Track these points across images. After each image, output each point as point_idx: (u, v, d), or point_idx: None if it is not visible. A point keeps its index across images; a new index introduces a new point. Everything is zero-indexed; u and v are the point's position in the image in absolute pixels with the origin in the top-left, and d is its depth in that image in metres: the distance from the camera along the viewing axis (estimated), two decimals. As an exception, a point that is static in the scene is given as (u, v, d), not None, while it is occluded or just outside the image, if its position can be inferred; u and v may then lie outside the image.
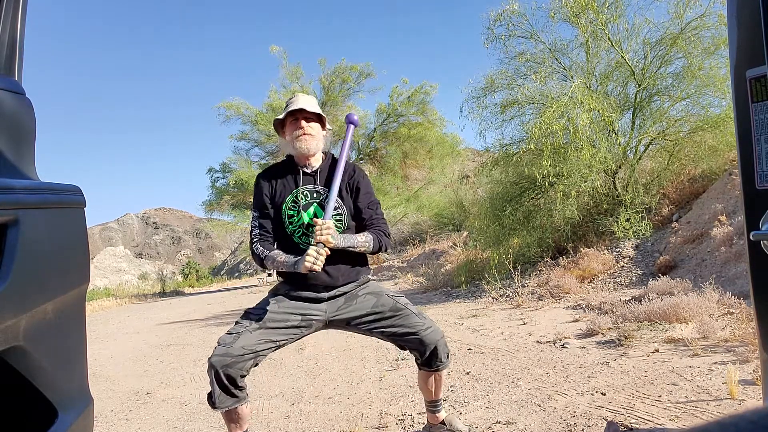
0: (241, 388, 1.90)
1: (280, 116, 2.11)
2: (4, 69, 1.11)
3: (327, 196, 2.05)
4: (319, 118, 2.12)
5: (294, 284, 2.05)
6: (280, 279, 2.13)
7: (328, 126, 2.19)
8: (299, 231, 2.04)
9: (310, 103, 2.09)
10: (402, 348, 2.13)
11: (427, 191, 18.14)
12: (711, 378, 2.65)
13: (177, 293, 19.24)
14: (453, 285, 8.60)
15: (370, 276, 2.20)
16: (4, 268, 0.88)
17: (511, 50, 7.98)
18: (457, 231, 14.70)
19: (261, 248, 2.05)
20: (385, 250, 2.12)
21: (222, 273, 51.17)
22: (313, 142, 2.07)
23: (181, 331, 7.11)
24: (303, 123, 2.06)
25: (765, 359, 1.08)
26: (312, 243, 1.95)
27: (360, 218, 2.12)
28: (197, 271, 38.80)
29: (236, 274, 43.94)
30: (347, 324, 2.08)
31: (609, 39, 7.37)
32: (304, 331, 2.03)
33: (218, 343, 1.91)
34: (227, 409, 1.90)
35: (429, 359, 2.07)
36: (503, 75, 8.01)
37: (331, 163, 2.16)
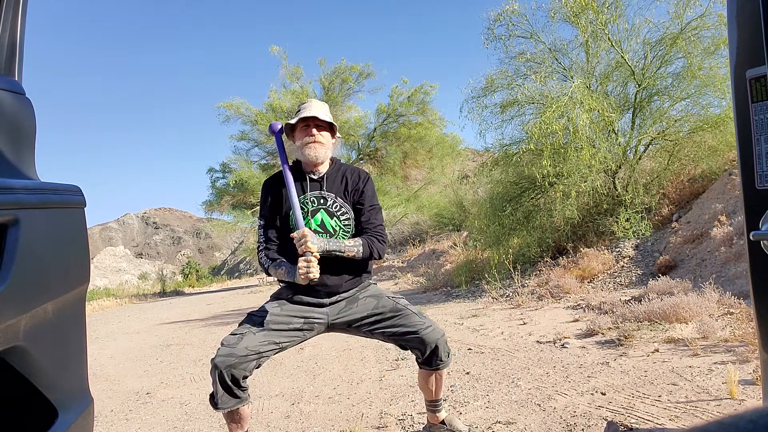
0: (243, 389, 1.91)
1: (292, 121, 2.09)
2: (4, 69, 1.11)
3: (334, 203, 2.07)
4: (330, 127, 2.12)
5: (296, 289, 2.06)
6: (282, 284, 2.14)
7: (337, 135, 2.18)
8: None
9: (323, 111, 2.09)
10: (403, 348, 2.14)
11: (427, 191, 18.14)
12: (711, 378, 2.65)
13: (177, 293, 19.24)
14: (453, 285, 8.60)
15: (371, 280, 2.21)
16: (4, 268, 0.88)
17: (511, 50, 8.00)
18: (457, 231, 14.70)
19: (266, 259, 2.06)
20: (378, 257, 2.08)
21: (222, 273, 51.14)
22: (323, 150, 2.07)
23: (181, 331, 7.11)
24: (314, 131, 2.05)
25: (765, 359, 1.08)
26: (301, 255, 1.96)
27: (359, 221, 2.12)
28: (197, 271, 38.80)
29: (236, 274, 43.93)
30: (348, 326, 2.10)
31: (609, 39, 7.37)
32: (307, 334, 2.05)
33: (222, 343, 1.91)
34: (229, 409, 1.91)
35: (429, 358, 2.08)
36: (503, 75, 8.02)
37: (338, 168, 2.16)
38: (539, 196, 7.68)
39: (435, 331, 2.06)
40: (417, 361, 2.15)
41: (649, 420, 2.22)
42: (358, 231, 2.12)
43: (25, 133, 1.08)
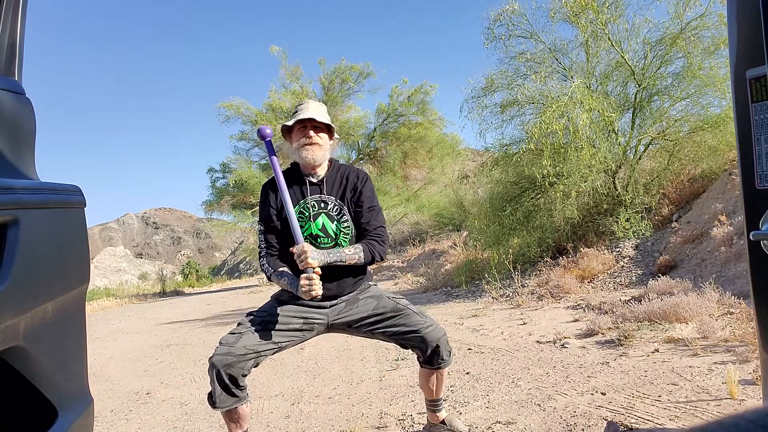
0: (242, 388, 1.90)
1: (289, 123, 2.06)
2: (4, 69, 1.10)
3: (335, 207, 2.05)
4: (327, 128, 2.09)
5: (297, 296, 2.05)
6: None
7: (336, 135, 2.16)
8: (308, 242, 2.01)
9: (320, 112, 2.06)
10: (404, 347, 2.13)
11: (427, 191, 18.13)
12: (711, 378, 2.65)
13: (177, 293, 19.23)
14: (453, 285, 8.59)
15: (371, 282, 2.20)
16: (4, 268, 0.88)
17: (511, 50, 8.00)
18: (457, 231, 14.69)
19: (267, 266, 2.05)
20: (380, 259, 2.07)
21: (222, 273, 51.15)
22: (320, 152, 2.04)
23: (181, 331, 7.11)
24: (311, 132, 2.02)
25: (765, 359, 1.08)
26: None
27: (359, 223, 2.10)
28: (197, 271, 38.83)
29: (236, 274, 43.93)
30: (348, 326, 2.09)
31: (609, 39, 7.37)
32: (306, 334, 2.05)
33: (220, 342, 1.91)
34: (228, 408, 1.91)
35: (431, 357, 2.08)
36: (503, 75, 8.01)
37: (337, 170, 2.14)
38: (539, 196, 7.67)
39: (436, 330, 2.06)
40: (418, 360, 2.15)
41: (649, 420, 2.22)
42: (359, 233, 2.10)
43: (25, 133, 1.08)
